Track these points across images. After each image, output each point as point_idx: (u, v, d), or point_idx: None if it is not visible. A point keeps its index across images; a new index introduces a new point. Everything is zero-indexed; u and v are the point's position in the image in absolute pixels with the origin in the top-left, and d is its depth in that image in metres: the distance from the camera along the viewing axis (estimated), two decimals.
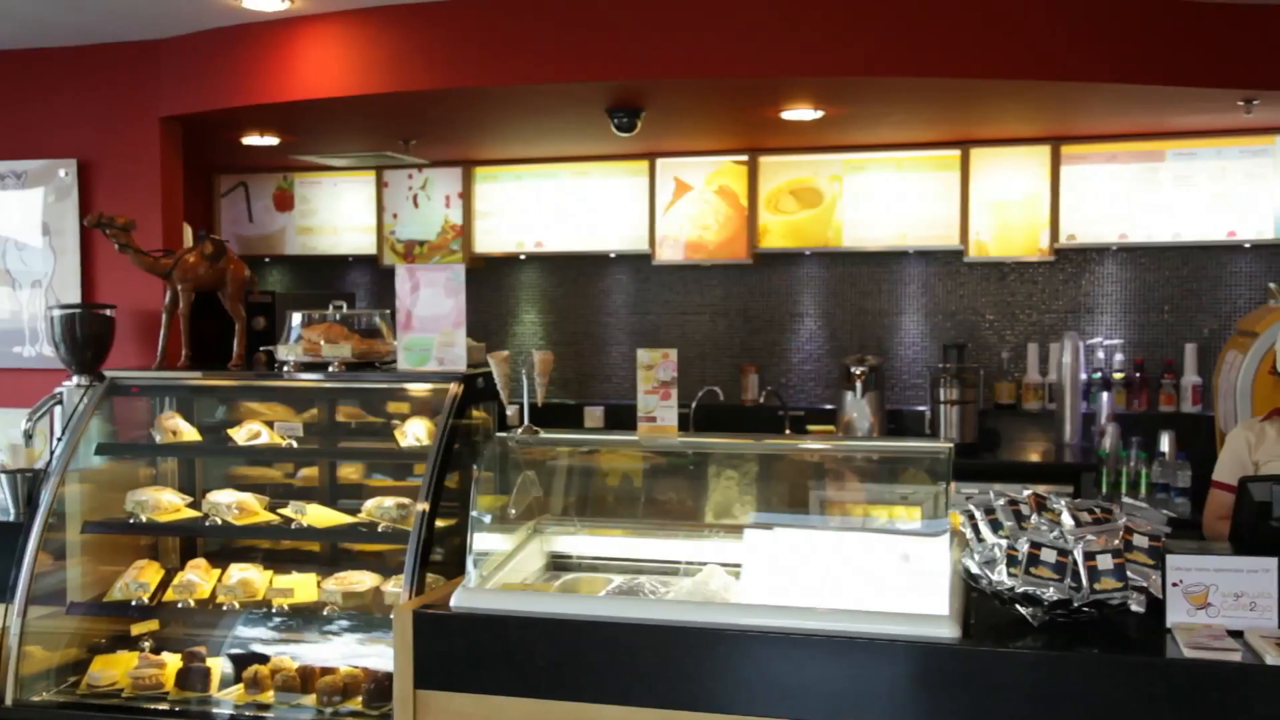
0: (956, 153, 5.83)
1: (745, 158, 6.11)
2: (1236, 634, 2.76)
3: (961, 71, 4.37)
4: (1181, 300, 5.88)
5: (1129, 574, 2.81)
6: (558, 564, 3.70)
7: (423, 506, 3.55)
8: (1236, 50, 4.52)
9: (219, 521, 3.96)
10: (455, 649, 3.12)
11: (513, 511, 3.60)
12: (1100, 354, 5.85)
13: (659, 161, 6.24)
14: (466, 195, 6.54)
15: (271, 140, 5.78)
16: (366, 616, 3.71)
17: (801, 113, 5.08)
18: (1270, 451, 3.53)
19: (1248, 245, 5.63)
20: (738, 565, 3.30)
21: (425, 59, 4.61)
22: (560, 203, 6.41)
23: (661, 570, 3.57)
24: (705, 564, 3.45)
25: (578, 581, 3.53)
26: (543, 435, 3.60)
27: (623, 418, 5.92)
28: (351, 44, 4.69)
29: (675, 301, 6.60)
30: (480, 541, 3.31)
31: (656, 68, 4.41)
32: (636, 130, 5.02)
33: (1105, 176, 5.67)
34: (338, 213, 6.79)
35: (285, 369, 4.11)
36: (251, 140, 5.77)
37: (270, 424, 4.17)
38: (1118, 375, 5.76)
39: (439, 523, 3.57)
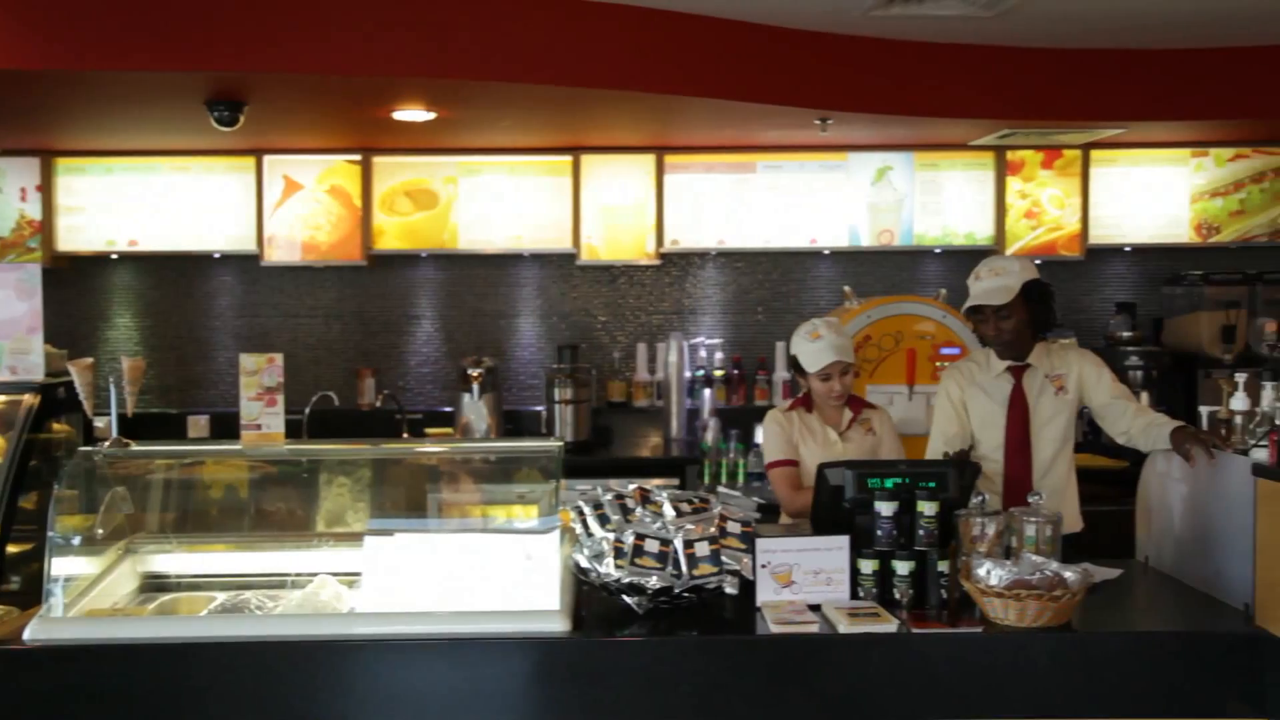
0: (569, 158, 6.00)
1: (358, 157, 5.99)
2: (816, 608, 3.02)
3: (569, 80, 4.50)
4: (773, 302, 6.36)
5: (724, 559, 3.00)
6: (154, 585, 3.44)
7: None
8: (812, 73, 4.94)
9: None
10: (36, 689, 2.83)
11: (100, 532, 3.32)
12: (703, 353, 6.21)
13: (267, 159, 5.98)
14: (46, 188, 5.98)
15: None
16: None
17: (414, 114, 5.04)
18: (804, 434, 3.88)
19: (827, 252, 6.18)
20: (356, 574, 3.22)
21: None
22: (158, 199, 6.00)
23: (270, 584, 3.42)
24: (317, 575, 3.34)
25: (176, 602, 3.31)
26: (134, 448, 3.34)
27: (230, 426, 5.59)
28: None
29: (286, 304, 6.35)
30: (61, 566, 3.02)
31: (258, 60, 4.22)
32: (239, 125, 4.79)
33: (705, 185, 6.03)
34: None
35: None
36: None
37: None
38: (718, 373, 6.13)
39: (12, 548, 3.23)
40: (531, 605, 2.93)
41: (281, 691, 2.83)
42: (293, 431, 3.70)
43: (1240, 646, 2.91)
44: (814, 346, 3.80)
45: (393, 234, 6.02)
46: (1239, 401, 3.26)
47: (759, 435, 5.52)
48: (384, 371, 6.32)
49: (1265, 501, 2.94)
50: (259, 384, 3.39)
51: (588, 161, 6.00)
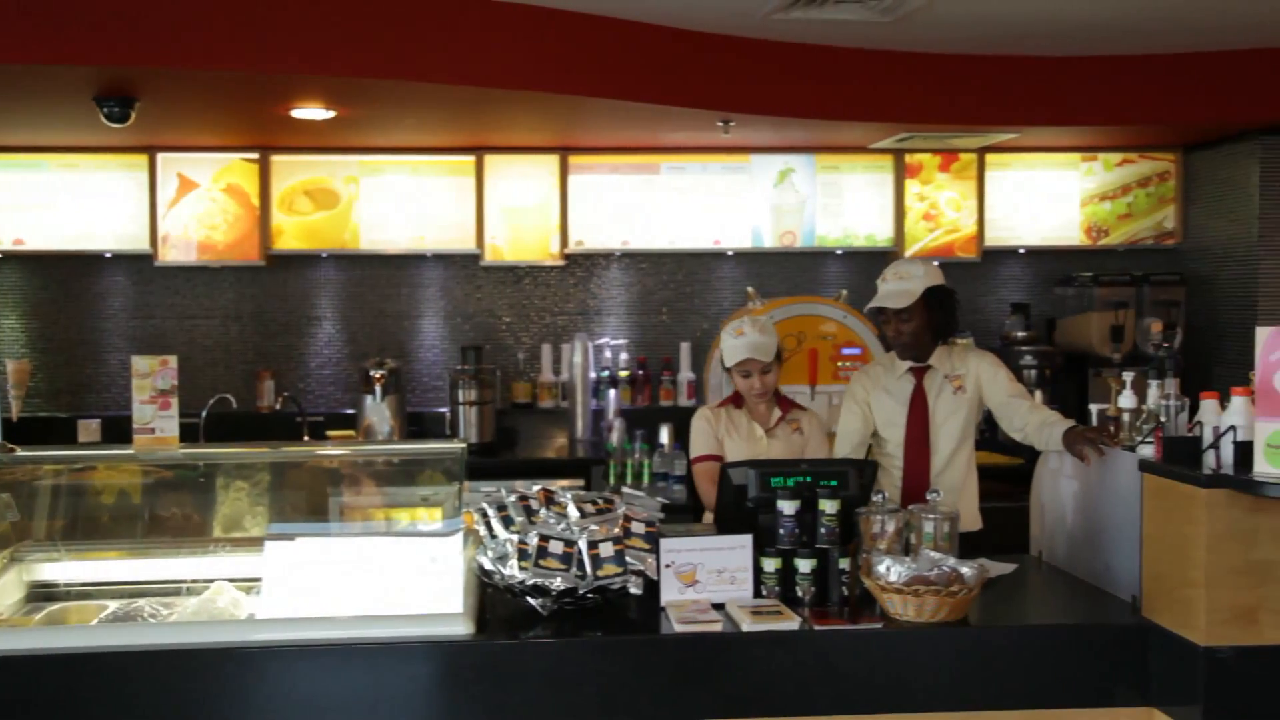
0: (472, 158, 5.96)
1: (256, 155, 5.87)
2: (720, 606, 3.04)
3: (472, 80, 4.46)
4: (677, 303, 6.39)
5: (628, 559, 3.01)
6: (42, 594, 3.34)
7: None
8: (715, 76, 4.98)
9: None
10: None
11: None
12: (608, 353, 6.21)
13: (160, 156, 5.83)
14: None
15: None
16: None
17: (312, 112, 4.95)
18: (730, 429, 3.92)
19: (730, 253, 6.23)
20: (255, 580, 3.15)
21: None
22: (46, 197, 5.81)
23: (165, 592, 3.33)
24: (214, 581, 3.27)
25: (65, 612, 3.22)
26: (20, 453, 3.23)
27: (123, 430, 5.45)
28: None
29: (182, 305, 6.20)
30: None
31: (150, 55, 4.10)
32: (130, 121, 4.65)
33: (609, 186, 6.03)
34: None
35: None
36: None
37: None
38: (623, 373, 6.14)
39: None
40: (435, 608, 2.91)
41: (178, 702, 2.76)
42: (189, 435, 3.61)
43: (1128, 637, 3.00)
44: (735, 342, 3.87)
45: (292, 234, 5.91)
46: (1126, 399, 3.37)
47: (664, 435, 5.56)
48: (284, 374, 6.20)
49: (1151, 496, 3.04)
50: (152, 387, 3.31)
51: (491, 161, 5.97)
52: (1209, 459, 2.90)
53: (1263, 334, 2.82)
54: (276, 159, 5.88)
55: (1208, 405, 3.00)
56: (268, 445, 4.06)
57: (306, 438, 5.54)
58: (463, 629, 2.84)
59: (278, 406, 6.00)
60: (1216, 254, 6.03)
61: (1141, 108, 5.47)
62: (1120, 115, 5.50)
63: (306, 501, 3.82)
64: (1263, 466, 2.79)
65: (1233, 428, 2.88)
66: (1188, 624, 2.88)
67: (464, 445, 3.36)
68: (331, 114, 4.99)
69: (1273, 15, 4.73)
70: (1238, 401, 2.90)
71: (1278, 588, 2.84)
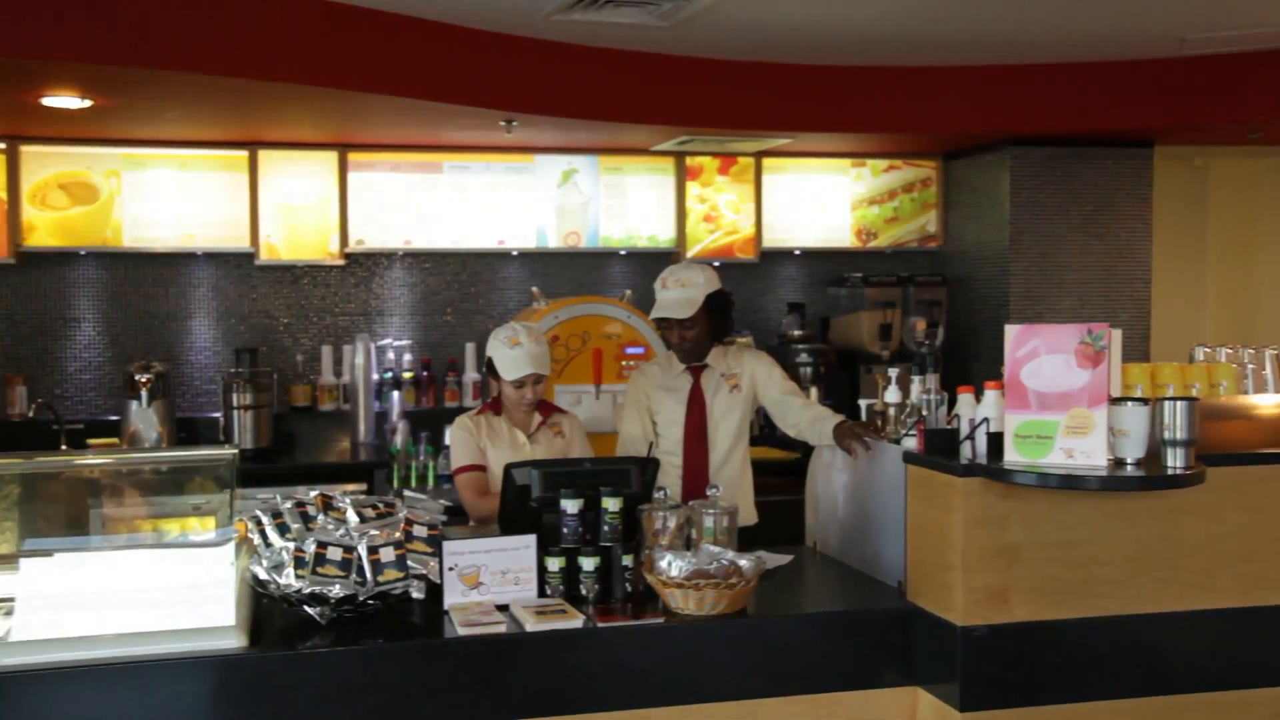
0: (244, 153, 5.73)
1: (3, 145, 5.47)
2: (504, 608, 3.03)
3: (243, 71, 4.29)
4: (462, 303, 6.33)
5: (410, 563, 2.96)
6: None
7: None
8: (498, 75, 4.95)
9: None
10: None
11: None
12: (391, 354, 6.09)
13: None
14: None
15: None
16: None
17: (66, 100, 4.66)
18: (492, 437, 3.88)
19: (515, 253, 6.21)
20: (8, 600, 2.93)
21: None
22: None
23: None
24: None
25: None
26: None
27: None
28: None
29: None
30: None
31: None
32: None
33: (390, 184, 5.92)
34: None
35: None
36: None
37: None
38: (407, 375, 6.03)
39: None
40: (205, 622, 2.78)
41: None
42: None
43: (894, 621, 3.16)
44: (512, 354, 3.77)
45: (46, 230, 5.54)
46: (892, 394, 3.54)
47: (449, 437, 5.49)
48: (38, 379, 5.81)
49: (915, 486, 3.21)
50: None
51: (266, 157, 5.75)
52: (965, 450, 3.08)
53: (1011, 331, 3.02)
54: (27, 149, 5.50)
55: (964, 399, 3.19)
56: (19, 455, 3.79)
57: (64, 446, 5.21)
58: (235, 642, 2.73)
59: (31, 414, 5.62)
60: (973, 256, 6.40)
61: (905, 117, 5.76)
62: (886, 123, 5.78)
63: (65, 514, 3.58)
64: (1012, 455, 2.99)
65: (986, 420, 3.06)
66: (947, 605, 3.04)
67: (236, 451, 3.22)
68: (88, 103, 4.71)
69: (1020, 35, 5.07)
70: (990, 395, 3.10)
71: (1026, 569, 3.04)
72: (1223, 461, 3.16)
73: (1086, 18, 4.79)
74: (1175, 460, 2.97)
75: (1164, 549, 3.15)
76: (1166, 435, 2.97)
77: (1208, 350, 3.79)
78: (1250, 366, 3.70)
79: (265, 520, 2.99)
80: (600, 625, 2.95)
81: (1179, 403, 2.96)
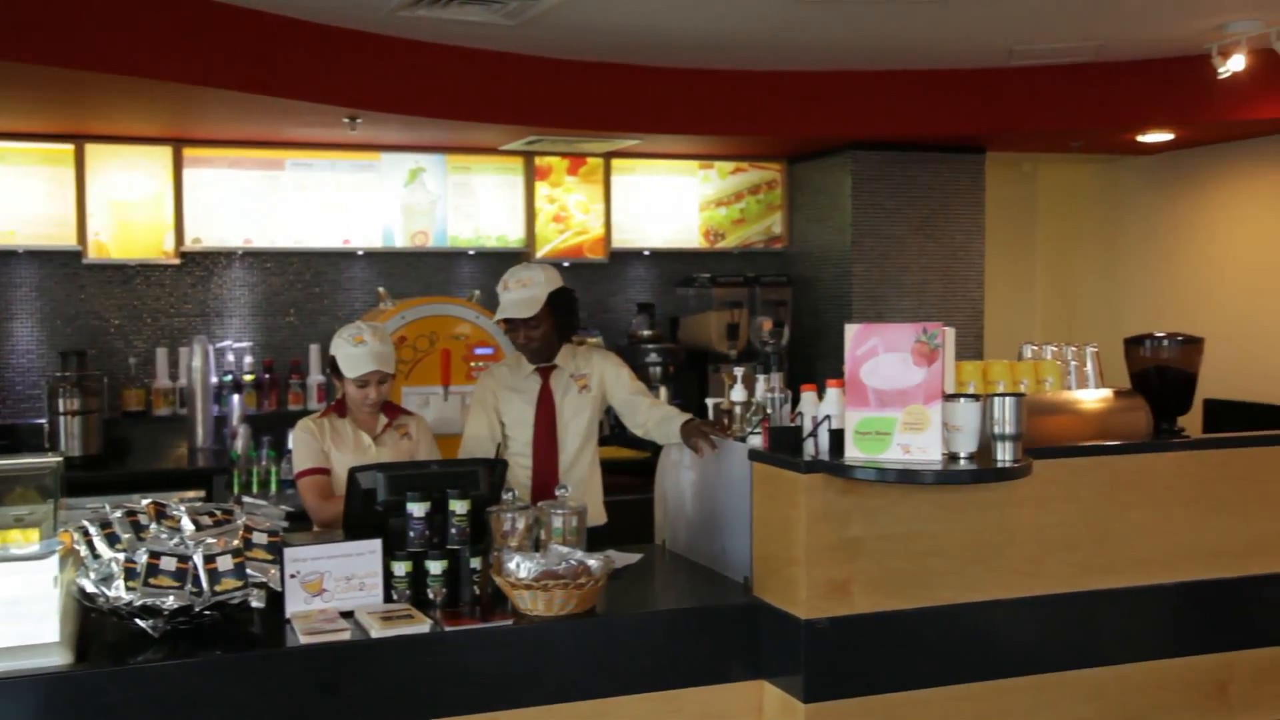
0: (70, 147, 5.47)
1: None
2: (349, 614, 2.97)
3: (67, 61, 4.08)
4: (306, 304, 6.17)
5: (250, 571, 2.87)
6: None
7: None
8: (341, 71, 4.85)
9: None
10: None
11: None
12: (230, 357, 5.90)
13: None
14: None
15: None
16: None
17: None
18: (335, 440, 3.80)
19: (361, 253, 6.09)
20: None
21: None
22: None
23: None
24: None
25: None
26: None
27: None
28: None
29: None
30: None
31: None
32: None
33: (229, 181, 5.73)
34: None
35: None
36: None
37: None
38: (248, 377, 5.85)
39: None
40: (26, 639, 2.64)
41: None
42: None
43: (740, 616, 3.21)
44: (355, 351, 3.70)
45: None
46: (738, 393, 3.59)
47: (291, 440, 5.34)
48: None
49: (760, 483, 3.26)
50: None
51: (94, 151, 5.50)
52: (809, 447, 3.15)
53: (850, 331, 3.10)
54: None
55: (807, 397, 3.26)
56: None
57: None
58: (59, 659, 2.61)
59: None
60: (817, 257, 6.55)
61: (751, 120, 5.86)
62: (732, 126, 5.87)
63: None
64: (852, 452, 3.06)
65: (828, 417, 3.14)
66: (791, 599, 3.11)
67: (60, 459, 3.07)
68: None
69: (860, 43, 5.21)
70: (832, 393, 3.17)
71: (866, 562, 3.13)
72: (1048, 454, 3.30)
73: (921, 27, 4.95)
74: (1004, 454, 3.08)
75: (995, 539, 3.27)
76: (996, 430, 3.08)
77: (1035, 348, 3.95)
78: (1073, 363, 3.87)
79: (93, 531, 2.85)
80: (448, 629, 2.91)
81: (1007, 399, 3.08)
